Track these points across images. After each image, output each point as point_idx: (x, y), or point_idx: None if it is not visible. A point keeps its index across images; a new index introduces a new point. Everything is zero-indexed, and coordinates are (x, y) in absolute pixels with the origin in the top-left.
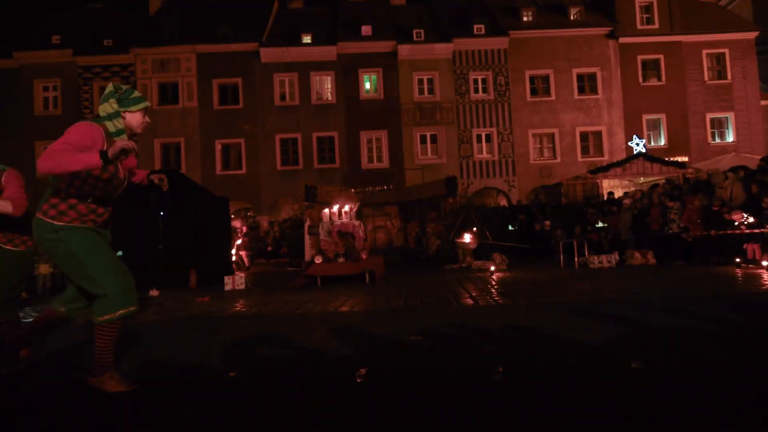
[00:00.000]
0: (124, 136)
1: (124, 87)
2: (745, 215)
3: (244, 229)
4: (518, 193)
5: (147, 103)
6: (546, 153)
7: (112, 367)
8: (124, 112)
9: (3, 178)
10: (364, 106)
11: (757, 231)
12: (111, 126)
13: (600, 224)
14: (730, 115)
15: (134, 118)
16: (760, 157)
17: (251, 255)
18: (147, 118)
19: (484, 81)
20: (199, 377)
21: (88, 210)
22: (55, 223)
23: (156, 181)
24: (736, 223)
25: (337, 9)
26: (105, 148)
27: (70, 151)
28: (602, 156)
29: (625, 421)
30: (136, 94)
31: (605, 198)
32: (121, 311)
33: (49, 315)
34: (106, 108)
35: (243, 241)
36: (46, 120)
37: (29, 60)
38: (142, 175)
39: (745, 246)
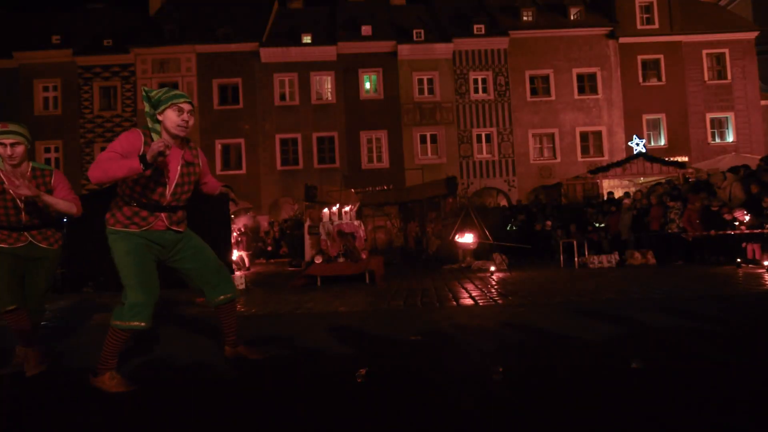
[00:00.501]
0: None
1: (156, 90)
2: (746, 214)
3: (242, 228)
4: (518, 193)
5: (179, 100)
6: (546, 153)
7: (114, 369)
8: (157, 114)
9: (52, 179)
10: (364, 106)
11: (757, 231)
12: (153, 130)
13: (602, 224)
14: (730, 115)
15: (166, 118)
16: (760, 157)
17: (251, 255)
18: (185, 116)
19: (484, 81)
20: (199, 377)
21: (132, 213)
22: (108, 227)
23: (223, 189)
24: (737, 223)
25: (336, 9)
26: (143, 152)
27: (115, 159)
28: (602, 156)
29: (626, 421)
30: (171, 92)
31: (605, 198)
32: (131, 323)
33: (218, 312)
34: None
35: (243, 240)
36: (46, 120)
37: (29, 60)
38: (216, 186)
39: (744, 245)
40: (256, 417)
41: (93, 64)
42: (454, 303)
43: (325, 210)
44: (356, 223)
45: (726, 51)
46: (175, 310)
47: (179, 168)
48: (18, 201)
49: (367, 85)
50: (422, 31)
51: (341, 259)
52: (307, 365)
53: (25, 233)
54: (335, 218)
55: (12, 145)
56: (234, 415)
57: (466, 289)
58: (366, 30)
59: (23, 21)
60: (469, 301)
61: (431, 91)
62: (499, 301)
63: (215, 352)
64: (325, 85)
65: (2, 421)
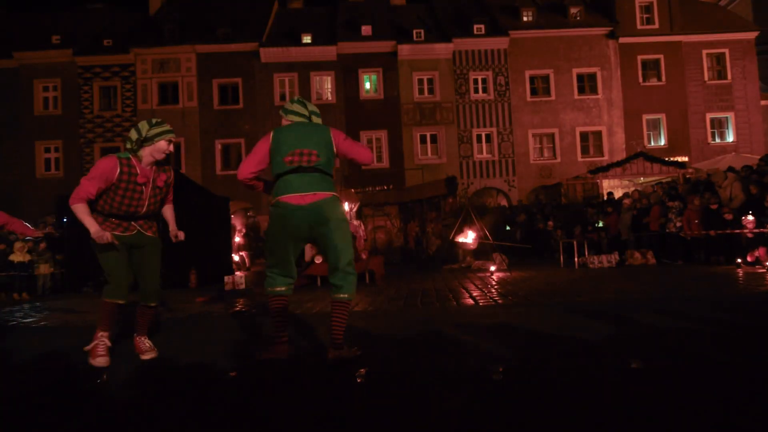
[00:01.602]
0: None
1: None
2: (752, 219)
3: (243, 229)
4: (518, 193)
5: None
6: (546, 153)
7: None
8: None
9: (172, 177)
10: (364, 106)
11: (757, 231)
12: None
13: (600, 224)
14: (730, 115)
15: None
16: (759, 157)
17: (252, 255)
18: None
19: (484, 81)
20: (199, 377)
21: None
22: (344, 204)
23: None
24: (744, 230)
25: (337, 9)
26: None
27: None
28: (602, 156)
29: (625, 421)
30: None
31: (605, 198)
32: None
33: (281, 303)
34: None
35: (242, 240)
36: (46, 120)
37: (29, 60)
38: None
39: (756, 253)
40: (256, 417)
41: (93, 64)
42: (454, 303)
43: None
44: (356, 223)
45: (726, 51)
46: (175, 310)
47: None
48: (144, 191)
49: (367, 85)
50: (422, 31)
51: None
52: (307, 365)
53: (134, 223)
54: None
55: (170, 142)
56: (234, 415)
57: (466, 289)
58: (366, 30)
59: (23, 21)
60: (469, 301)
61: (431, 91)
62: (499, 301)
63: (215, 352)
64: (325, 85)
65: (4, 420)
